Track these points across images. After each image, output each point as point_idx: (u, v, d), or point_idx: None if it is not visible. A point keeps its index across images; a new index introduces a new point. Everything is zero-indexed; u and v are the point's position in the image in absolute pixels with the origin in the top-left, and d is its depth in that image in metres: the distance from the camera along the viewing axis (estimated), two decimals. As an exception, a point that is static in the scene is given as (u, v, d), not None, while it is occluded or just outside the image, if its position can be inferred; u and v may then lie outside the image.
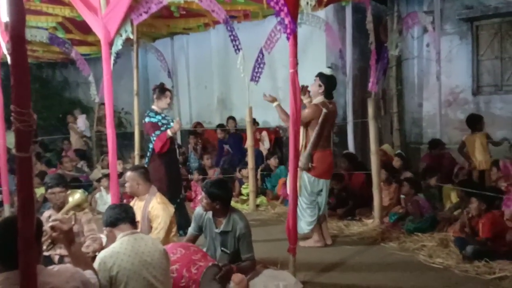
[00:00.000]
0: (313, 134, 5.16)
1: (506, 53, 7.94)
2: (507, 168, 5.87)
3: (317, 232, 5.39)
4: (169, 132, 5.78)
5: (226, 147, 8.94)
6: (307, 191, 5.26)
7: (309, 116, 5.17)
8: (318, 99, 5.26)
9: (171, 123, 5.86)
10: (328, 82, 5.27)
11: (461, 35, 8.30)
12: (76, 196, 4.21)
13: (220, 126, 9.31)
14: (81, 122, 10.77)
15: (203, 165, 8.67)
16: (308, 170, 5.19)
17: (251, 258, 4.03)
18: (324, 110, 5.12)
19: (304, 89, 5.20)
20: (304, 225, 5.31)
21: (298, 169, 5.14)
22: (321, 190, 5.31)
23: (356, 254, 5.08)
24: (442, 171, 6.62)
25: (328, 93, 5.29)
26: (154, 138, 5.80)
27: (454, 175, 6.40)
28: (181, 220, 5.56)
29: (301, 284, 4.08)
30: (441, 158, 7.16)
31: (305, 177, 5.23)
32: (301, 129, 5.28)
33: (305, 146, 5.23)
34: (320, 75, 5.31)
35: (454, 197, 6.23)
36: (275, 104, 5.25)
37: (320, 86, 5.25)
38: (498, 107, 7.90)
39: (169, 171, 5.83)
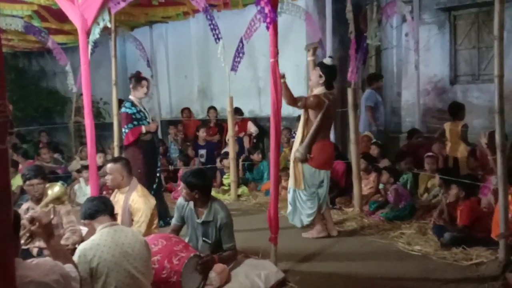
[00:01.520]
0: (313, 125, 5.07)
1: (483, 43, 8.04)
2: (484, 156, 5.96)
3: (319, 223, 5.32)
4: (143, 129, 5.76)
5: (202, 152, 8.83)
6: (307, 184, 5.19)
7: (312, 104, 5.05)
8: (319, 89, 5.14)
9: (145, 120, 5.82)
10: (329, 73, 5.15)
11: (439, 25, 8.38)
12: (55, 189, 4.16)
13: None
14: None
15: (186, 153, 8.63)
16: (305, 161, 5.11)
17: (232, 248, 4.04)
18: (327, 102, 5.05)
19: (310, 47, 5.34)
20: (304, 217, 5.29)
21: (296, 160, 5.14)
22: (322, 181, 5.23)
23: (336, 243, 5.13)
24: (420, 159, 6.70)
25: (329, 83, 5.17)
26: (126, 131, 5.79)
27: (426, 163, 6.50)
28: (160, 210, 5.54)
29: (283, 273, 4.11)
30: (419, 147, 7.25)
31: (306, 169, 5.15)
32: (301, 119, 5.25)
33: (304, 137, 5.15)
34: (321, 65, 5.19)
35: (430, 184, 6.33)
36: (283, 80, 4.67)
37: (320, 76, 5.13)
38: (475, 96, 8.01)
39: (146, 160, 5.80)
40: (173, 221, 4.35)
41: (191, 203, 4.12)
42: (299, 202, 5.27)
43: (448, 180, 5.11)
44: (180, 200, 4.26)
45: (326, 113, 5.08)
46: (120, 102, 6.61)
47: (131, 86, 5.94)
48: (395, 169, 6.39)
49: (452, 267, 4.29)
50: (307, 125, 5.17)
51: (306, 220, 5.31)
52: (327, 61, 5.25)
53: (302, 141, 5.15)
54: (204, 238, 4.09)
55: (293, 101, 5.06)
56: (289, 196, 5.40)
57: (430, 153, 6.59)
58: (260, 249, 4.58)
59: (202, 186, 4.00)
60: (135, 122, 5.78)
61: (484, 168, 5.84)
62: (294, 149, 5.24)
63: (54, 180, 6.90)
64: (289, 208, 5.44)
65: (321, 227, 5.34)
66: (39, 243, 4.00)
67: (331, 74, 5.18)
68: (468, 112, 6.98)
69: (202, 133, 8.76)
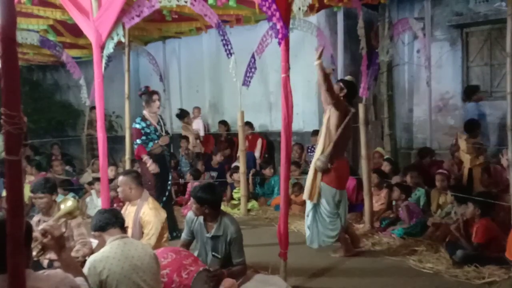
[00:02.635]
0: (336, 133, 4.93)
1: (495, 60, 8.02)
2: (498, 173, 5.91)
3: (344, 242, 5.17)
4: (144, 158, 5.83)
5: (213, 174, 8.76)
6: (329, 203, 4.99)
7: (340, 105, 4.90)
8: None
9: (155, 134, 5.87)
10: (350, 87, 5.12)
11: (451, 42, 8.38)
12: (68, 203, 4.14)
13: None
14: (199, 123, 9.92)
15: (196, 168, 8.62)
16: (327, 170, 4.95)
17: (242, 263, 4.02)
18: (353, 110, 5.02)
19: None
20: (325, 238, 5.07)
21: (316, 170, 4.98)
22: (340, 201, 5.07)
23: (347, 259, 5.08)
24: (432, 177, 6.64)
25: (349, 98, 5.11)
26: (135, 146, 5.91)
27: (437, 180, 6.44)
28: (168, 223, 5.55)
29: (292, 289, 4.08)
30: (431, 166, 7.20)
31: (326, 189, 4.98)
32: (323, 131, 5.04)
33: (325, 147, 4.99)
34: (342, 80, 5.22)
35: (441, 201, 6.26)
36: (317, 62, 4.72)
37: (342, 89, 5.08)
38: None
39: (156, 173, 5.84)
40: (183, 236, 4.34)
41: (201, 218, 4.12)
42: (321, 222, 5.06)
43: (462, 197, 5.05)
44: (189, 214, 4.26)
45: (348, 123, 4.98)
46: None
47: (144, 103, 6.00)
48: (406, 185, 6.34)
49: (464, 286, 4.23)
50: (329, 136, 4.99)
51: (328, 241, 5.09)
52: (348, 78, 5.26)
53: (323, 152, 4.99)
54: (213, 253, 4.07)
55: (332, 90, 4.85)
56: (308, 220, 5.16)
57: (441, 170, 6.54)
58: (270, 264, 4.55)
59: (212, 201, 3.99)
60: (144, 137, 5.84)
61: (498, 186, 5.78)
62: (314, 159, 5.07)
63: (67, 190, 7.02)
64: (307, 232, 5.20)
65: (347, 246, 5.19)
66: (50, 255, 4.03)
67: (352, 89, 5.17)
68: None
69: (219, 157, 8.71)
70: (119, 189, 4.49)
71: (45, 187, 4.27)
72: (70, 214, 4.11)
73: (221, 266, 3.95)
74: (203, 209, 3.98)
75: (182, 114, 9.65)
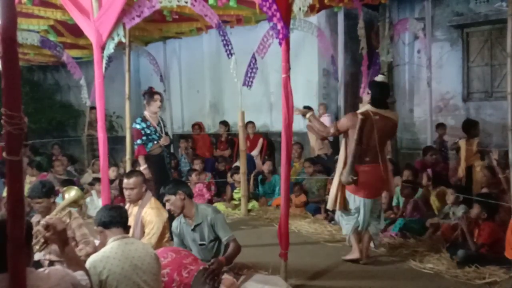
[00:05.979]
0: (351, 146, 4.68)
1: (496, 60, 8.03)
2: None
3: (356, 244, 4.97)
4: (147, 148, 5.85)
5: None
6: (347, 206, 4.89)
7: (343, 125, 4.73)
8: (365, 107, 4.79)
9: (155, 135, 5.87)
10: (375, 89, 4.78)
11: (452, 42, 8.39)
12: (72, 193, 4.11)
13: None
14: (327, 121, 8.29)
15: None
16: (351, 183, 4.72)
17: (232, 238, 4.06)
18: (360, 117, 4.60)
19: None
20: (343, 226, 5.08)
21: (340, 182, 4.81)
22: (358, 208, 4.81)
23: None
24: (436, 176, 6.64)
25: (377, 101, 4.74)
26: (135, 147, 5.94)
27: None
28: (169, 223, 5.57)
29: (292, 289, 4.08)
30: (433, 164, 7.20)
31: (346, 191, 4.87)
32: (342, 143, 4.89)
33: (346, 161, 4.74)
34: (370, 82, 5.01)
35: (437, 202, 6.25)
36: (308, 115, 4.98)
37: (368, 93, 4.86)
38: (488, 113, 7.98)
39: (155, 173, 5.86)
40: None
41: (182, 219, 4.18)
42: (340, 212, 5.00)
43: (465, 198, 5.03)
44: (173, 224, 4.32)
45: (362, 131, 4.62)
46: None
47: (145, 102, 6.01)
48: (415, 182, 6.33)
49: (464, 286, 4.23)
50: (346, 148, 4.79)
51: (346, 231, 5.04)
52: (378, 78, 4.97)
53: (344, 164, 4.76)
54: (201, 242, 4.13)
55: (327, 132, 4.94)
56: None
57: (428, 170, 6.58)
58: (270, 264, 4.55)
59: (182, 187, 4.09)
60: (144, 138, 5.85)
61: (499, 186, 5.76)
62: (338, 171, 4.85)
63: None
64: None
65: (357, 247, 4.99)
66: (50, 256, 4.03)
67: (378, 91, 4.79)
68: (481, 130, 6.93)
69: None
70: (132, 191, 4.41)
71: (41, 192, 4.16)
72: (75, 203, 4.09)
73: (215, 255, 4.04)
74: (180, 198, 4.04)
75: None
